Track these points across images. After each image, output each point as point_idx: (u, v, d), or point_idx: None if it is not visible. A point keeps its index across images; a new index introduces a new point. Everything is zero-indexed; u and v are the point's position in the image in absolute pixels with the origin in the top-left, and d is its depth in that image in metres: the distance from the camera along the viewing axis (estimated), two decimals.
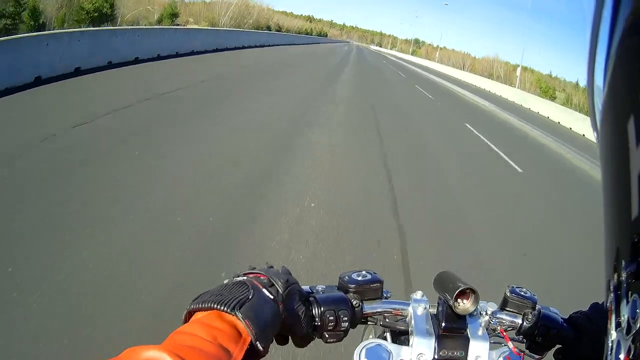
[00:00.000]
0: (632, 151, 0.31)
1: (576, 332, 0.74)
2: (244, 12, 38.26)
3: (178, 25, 30.41)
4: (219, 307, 0.53)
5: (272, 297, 0.59)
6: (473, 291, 0.67)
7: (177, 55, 16.13)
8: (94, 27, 21.46)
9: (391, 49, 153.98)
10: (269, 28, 56.53)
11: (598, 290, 0.41)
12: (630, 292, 0.33)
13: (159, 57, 14.60)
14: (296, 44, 50.06)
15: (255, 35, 32.51)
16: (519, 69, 39.41)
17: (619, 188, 0.34)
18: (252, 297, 0.56)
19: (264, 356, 0.54)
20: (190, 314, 0.55)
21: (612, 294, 0.35)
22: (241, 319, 0.52)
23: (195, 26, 31.97)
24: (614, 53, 0.33)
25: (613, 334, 0.35)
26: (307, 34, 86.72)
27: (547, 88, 58.47)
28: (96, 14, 24.92)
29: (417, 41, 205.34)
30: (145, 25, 22.61)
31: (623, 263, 0.33)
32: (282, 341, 0.65)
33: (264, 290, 0.59)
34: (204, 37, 20.91)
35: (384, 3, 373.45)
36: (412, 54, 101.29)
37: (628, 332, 0.33)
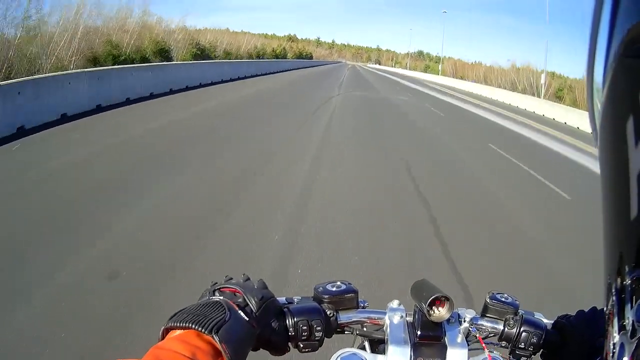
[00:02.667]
0: (632, 151, 0.31)
1: (562, 337, 0.74)
2: None
3: None
4: (196, 327, 0.55)
5: (247, 318, 0.60)
6: (447, 298, 0.68)
7: None
8: None
9: (395, 66, 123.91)
10: (164, 53, 25.65)
11: None
12: (634, 297, 0.33)
13: None
14: (218, 81, 21.12)
15: None
16: None
17: (618, 189, 0.34)
18: (228, 320, 0.57)
19: None
20: (167, 331, 0.57)
21: (614, 297, 0.35)
22: (218, 342, 0.54)
23: None
24: (614, 53, 0.33)
25: (615, 337, 0.35)
26: (277, 58, 56.65)
27: None
28: None
29: (421, 53, 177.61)
30: None
31: (627, 268, 0.33)
32: (255, 349, 0.66)
33: (239, 312, 0.60)
34: None
35: (375, 18, 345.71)
36: (438, 72, 70.63)
37: (633, 335, 0.32)
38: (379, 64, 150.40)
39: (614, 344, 0.35)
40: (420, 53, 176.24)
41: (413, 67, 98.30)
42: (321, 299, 0.74)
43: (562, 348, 0.74)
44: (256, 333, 0.62)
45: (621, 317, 0.34)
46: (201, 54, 33.16)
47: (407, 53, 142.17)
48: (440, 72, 58.48)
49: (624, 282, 0.33)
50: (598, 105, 0.36)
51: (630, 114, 0.31)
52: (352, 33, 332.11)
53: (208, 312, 0.57)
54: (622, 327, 0.34)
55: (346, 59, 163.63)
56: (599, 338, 0.37)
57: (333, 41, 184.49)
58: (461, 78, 56.77)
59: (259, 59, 47.00)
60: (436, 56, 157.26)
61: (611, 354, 0.35)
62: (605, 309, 0.37)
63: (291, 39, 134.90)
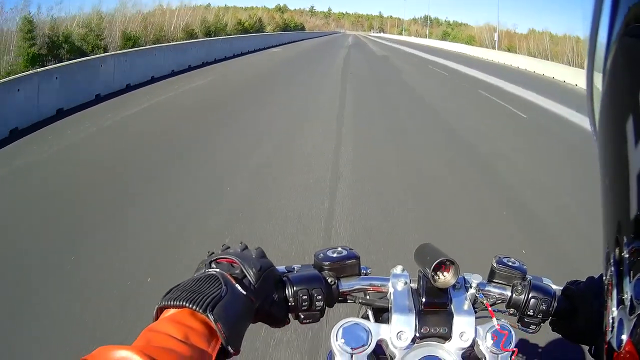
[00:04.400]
0: (631, 151, 0.31)
1: (571, 305, 0.71)
2: None
3: None
4: (191, 305, 0.52)
5: (244, 292, 0.57)
6: (453, 263, 0.64)
7: None
8: None
9: (402, 33, 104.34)
10: None
11: None
12: (632, 271, 0.32)
13: None
14: None
15: None
16: None
17: (618, 188, 0.34)
18: (224, 295, 0.54)
19: (236, 356, 0.54)
20: (161, 310, 0.54)
21: (612, 268, 0.35)
22: (213, 321, 0.51)
23: None
24: (613, 53, 0.33)
25: (614, 311, 0.34)
26: (247, 33, 38.97)
27: None
28: None
29: (427, 19, 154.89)
30: None
31: (625, 239, 0.33)
32: (253, 322, 0.62)
33: (236, 285, 0.57)
34: None
35: None
36: (461, 40, 52.04)
37: (631, 312, 0.32)
38: (383, 32, 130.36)
39: (612, 319, 0.34)
40: (427, 18, 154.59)
41: (428, 34, 78.91)
42: (322, 266, 0.70)
43: (573, 317, 0.70)
44: (255, 307, 0.59)
45: (620, 290, 0.33)
46: (55, 50, 15.96)
47: (410, 19, 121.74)
48: (500, 45, 39.67)
49: (622, 254, 0.33)
50: (597, 105, 0.36)
51: (630, 114, 0.31)
52: (350, 1, 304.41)
53: (203, 288, 0.54)
54: (620, 301, 0.33)
55: (345, 29, 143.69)
56: (604, 311, 0.37)
57: (329, 9, 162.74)
58: (508, 50, 39.01)
59: (211, 37, 30.08)
60: (445, 21, 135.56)
61: (610, 329, 0.34)
62: (604, 278, 0.37)
63: (280, 9, 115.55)
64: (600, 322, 0.58)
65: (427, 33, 63.62)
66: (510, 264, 0.74)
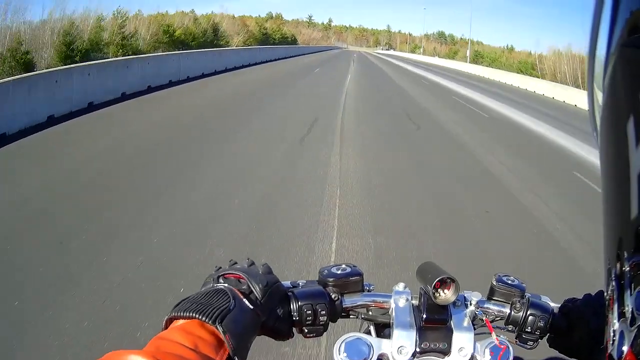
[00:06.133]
0: (632, 152, 0.31)
1: (568, 322, 0.73)
2: None
3: None
4: (201, 317, 0.54)
5: (251, 307, 0.59)
6: (453, 280, 0.66)
7: None
8: None
9: (416, 51, 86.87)
10: None
11: None
12: (633, 285, 0.33)
13: None
14: None
15: None
16: None
17: (618, 189, 0.34)
18: (233, 309, 0.56)
19: None
20: (170, 321, 0.56)
21: (614, 282, 0.35)
22: (222, 332, 0.53)
23: None
24: (614, 53, 0.33)
25: (615, 324, 0.35)
26: (186, 48, 21.56)
27: None
28: None
29: (442, 35, 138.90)
30: None
31: (626, 254, 0.33)
32: (257, 334, 0.65)
33: (244, 300, 0.59)
34: None
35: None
36: (499, 64, 34.38)
37: (632, 323, 0.32)
38: (393, 50, 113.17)
39: (613, 331, 0.35)
40: (441, 34, 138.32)
41: (446, 55, 61.83)
42: (326, 283, 0.72)
43: (569, 333, 0.72)
44: (261, 321, 0.61)
45: (621, 303, 0.34)
46: None
47: (421, 35, 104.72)
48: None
49: (624, 268, 0.33)
50: (598, 105, 0.36)
51: (630, 114, 0.31)
52: (354, 14, 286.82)
53: (212, 301, 0.56)
54: (621, 314, 0.33)
55: (347, 44, 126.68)
56: (606, 326, 0.37)
57: (330, 21, 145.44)
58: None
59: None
60: (461, 39, 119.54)
61: (611, 342, 0.35)
62: (605, 294, 0.37)
63: (272, 18, 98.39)
64: (596, 338, 0.61)
65: (468, 56, 45.60)
66: (509, 282, 0.76)
